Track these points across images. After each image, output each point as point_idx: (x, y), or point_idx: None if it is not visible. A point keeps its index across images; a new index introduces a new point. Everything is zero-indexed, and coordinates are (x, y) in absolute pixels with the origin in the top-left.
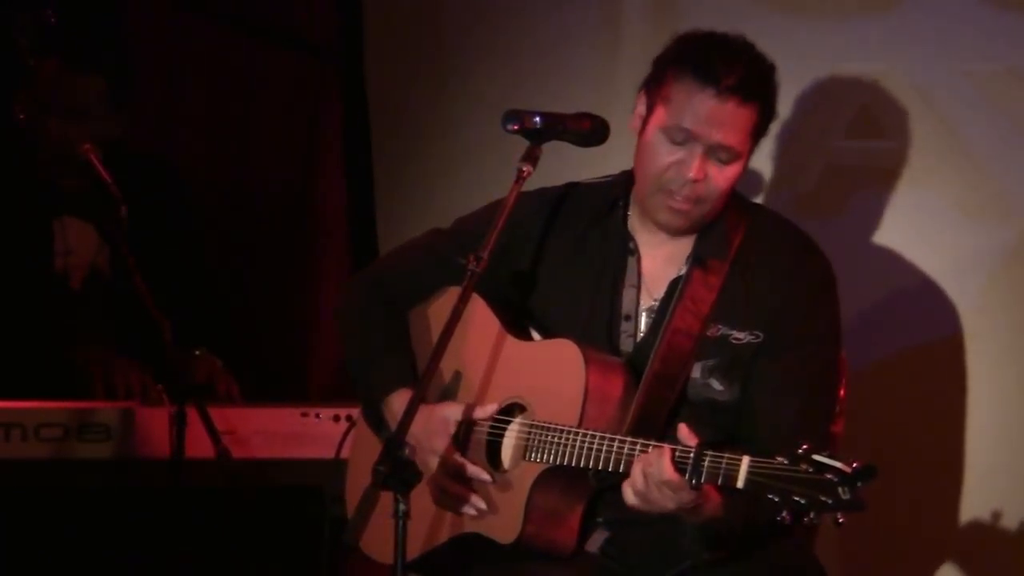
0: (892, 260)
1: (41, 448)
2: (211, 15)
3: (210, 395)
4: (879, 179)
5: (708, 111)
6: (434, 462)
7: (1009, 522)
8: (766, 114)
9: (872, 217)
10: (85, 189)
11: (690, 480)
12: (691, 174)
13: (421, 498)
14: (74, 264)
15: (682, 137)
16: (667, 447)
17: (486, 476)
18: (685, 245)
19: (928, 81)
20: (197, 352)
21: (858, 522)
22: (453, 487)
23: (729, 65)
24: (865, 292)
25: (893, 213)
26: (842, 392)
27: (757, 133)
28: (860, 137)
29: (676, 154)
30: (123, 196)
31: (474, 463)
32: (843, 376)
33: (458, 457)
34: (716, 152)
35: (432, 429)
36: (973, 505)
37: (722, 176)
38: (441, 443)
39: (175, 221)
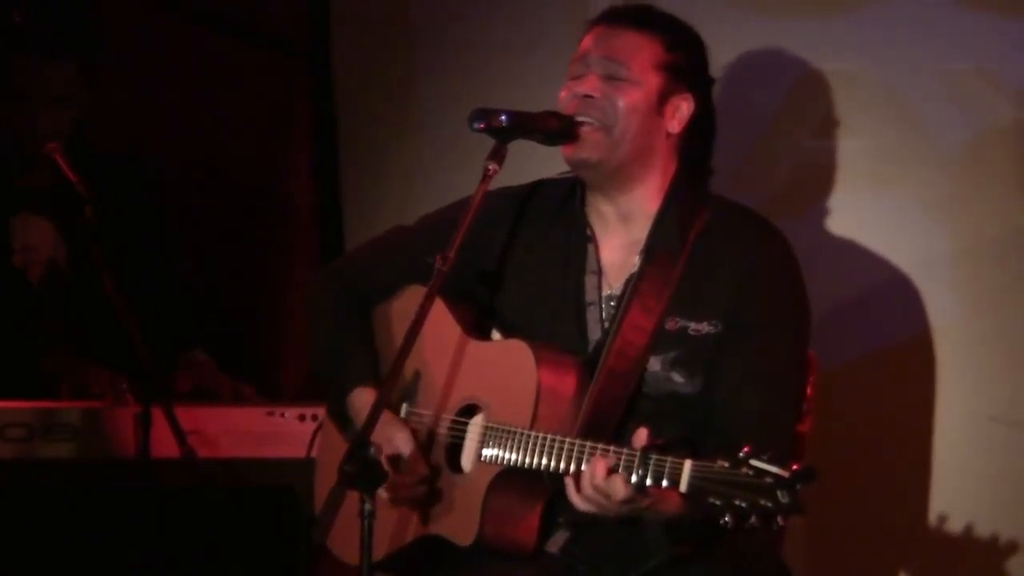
0: (861, 260)
1: (5, 448)
2: (181, 12)
3: (212, 397)
4: (849, 179)
5: (596, 33)
6: None
7: (976, 522)
8: (673, 51)
9: (841, 217)
10: (47, 186)
11: (634, 485)
12: (581, 88)
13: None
14: (33, 261)
15: (578, 68)
16: (611, 454)
17: (423, 470)
18: (640, 232)
19: (897, 80)
20: (197, 355)
21: (825, 521)
22: (389, 493)
23: (621, 7)
24: (834, 292)
25: (863, 213)
26: (810, 391)
27: (665, 68)
28: (829, 137)
29: (574, 84)
30: (89, 195)
31: (435, 464)
32: (811, 374)
33: (391, 466)
34: (608, 68)
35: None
36: (940, 505)
37: (620, 93)
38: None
39: (141, 220)
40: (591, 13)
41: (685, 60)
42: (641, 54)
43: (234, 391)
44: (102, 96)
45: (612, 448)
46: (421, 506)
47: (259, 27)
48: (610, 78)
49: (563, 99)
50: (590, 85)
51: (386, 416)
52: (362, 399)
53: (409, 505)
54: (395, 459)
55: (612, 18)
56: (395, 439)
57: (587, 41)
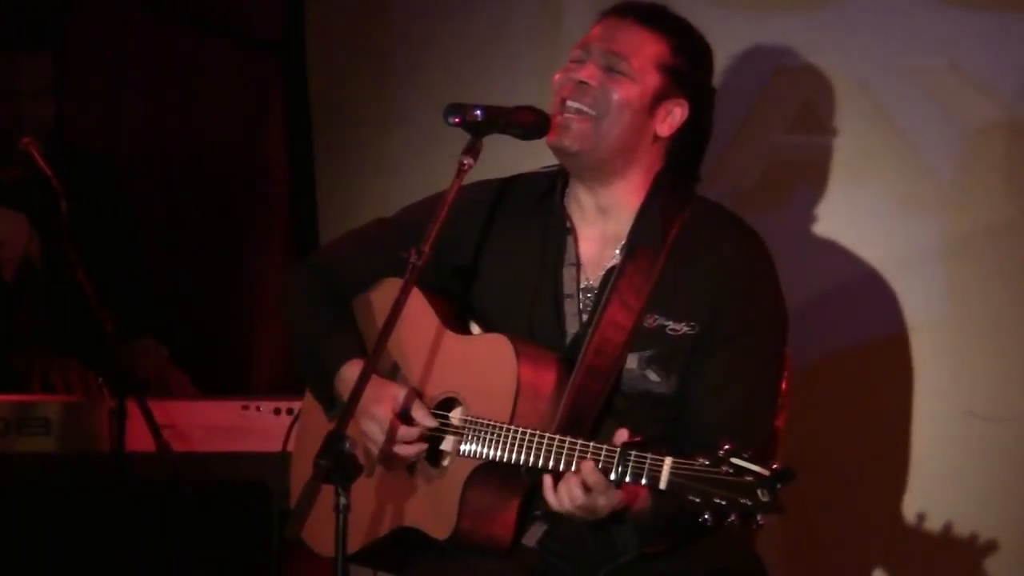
0: (834, 255)
1: None
2: (156, 8)
3: (161, 389)
4: (821, 174)
5: (605, 23)
6: (372, 427)
7: (953, 517)
8: (677, 54)
9: (814, 212)
10: (19, 180)
11: (614, 480)
12: (579, 74)
13: (363, 490)
14: (6, 256)
15: (580, 54)
16: (591, 450)
17: (429, 421)
18: (620, 226)
19: (870, 76)
20: (146, 342)
21: (803, 518)
22: (390, 449)
23: (637, 1)
24: (807, 288)
25: (835, 208)
26: (784, 386)
27: (667, 70)
28: (802, 132)
29: (572, 68)
30: (64, 190)
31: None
32: (785, 369)
33: (396, 421)
34: (609, 60)
35: (376, 396)
36: (918, 500)
37: (616, 86)
38: (381, 410)
39: (114, 215)
40: (564, 11)
41: (688, 66)
42: (644, 51)
43: (179, 384)
44: (76, 91)
45: (592, 444)
46: (401, 489)
47: (234, 23)
48: (609, 69)
49: (557, 81)
50: (588, 73)
51: (377, 379)
52: (351, 372)
53: (400, 466)
54: (400, 415)
55: (625, 11)
56: (399, 395)
57: (596, 29)
